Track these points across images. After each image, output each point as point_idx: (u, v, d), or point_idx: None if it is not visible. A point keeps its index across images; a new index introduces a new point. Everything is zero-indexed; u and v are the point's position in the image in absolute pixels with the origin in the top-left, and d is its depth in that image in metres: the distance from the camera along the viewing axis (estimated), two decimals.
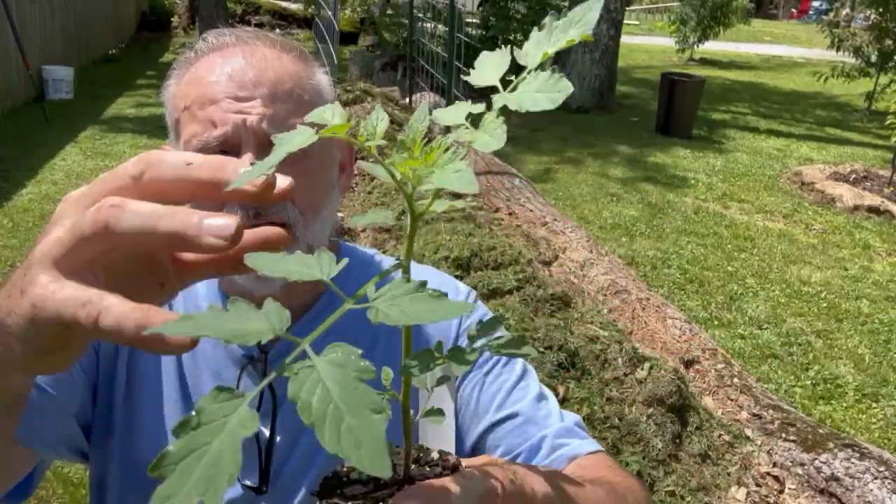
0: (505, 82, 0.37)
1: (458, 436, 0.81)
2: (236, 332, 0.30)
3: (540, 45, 0.36)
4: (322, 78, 0.78)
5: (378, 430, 0.26)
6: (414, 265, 0.84)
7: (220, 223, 0.36)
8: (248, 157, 0.68)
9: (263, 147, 0.69)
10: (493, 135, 0.33)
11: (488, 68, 0.38)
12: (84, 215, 0.37)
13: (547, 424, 0.79)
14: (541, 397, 0.82)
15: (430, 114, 0.37)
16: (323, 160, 0.76)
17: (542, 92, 0.35)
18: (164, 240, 0.36)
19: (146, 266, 0.42)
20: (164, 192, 0.39)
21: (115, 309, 0.35)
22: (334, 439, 0.25)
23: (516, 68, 0.37)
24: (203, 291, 0.82)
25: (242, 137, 0.69)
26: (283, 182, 0.41)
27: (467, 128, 0.35)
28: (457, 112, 0.38)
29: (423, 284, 0.33)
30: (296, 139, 0.34)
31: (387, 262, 0.87)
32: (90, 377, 0.78)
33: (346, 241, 3.32)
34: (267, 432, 0.76)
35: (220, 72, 0.71)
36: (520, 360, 0.84)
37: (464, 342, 0.81)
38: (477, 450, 0.80)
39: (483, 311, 0.87)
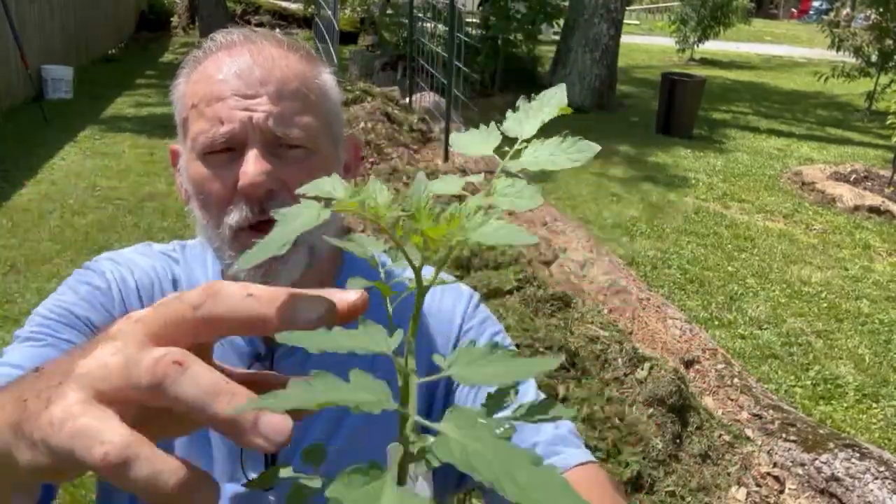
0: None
1: None
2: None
3: (521, 123, 0.37)
4: (328, 78, 0.79)
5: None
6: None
7: (276, 426, 0.32)
8: (253, 154, 0.70)
9: (269, 144, 0.71)
10: (531, 199, 0.33)
11: (477, 142, 0.38)
12: (141, 357, 0.32)
13: (540, 430, 0.78)
14: (537, 398, 0.83)
15: (425, 183, 0.35)
16: (328, 159, 0.76)
17: (563, 154, 0.35)
18: (211, 421, 0.31)
19: (179, 421, 0.37)
20: (222, 326, 0.36)
21: (154, 462, 0.30)
22: (517, 492, 0.24)
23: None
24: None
25: (249, 135, 0.71)
26: (354, 296, 0.39)
27: (502, 195, 0.34)
28: (450, 184, 0.37)
29: (496, 346, 0.32)
30: (301, 218, 0.33)
31: (388, 264, 0.88)
32: None
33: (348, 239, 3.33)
34: None
35: (228, 70, 0.72)
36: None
37: (464, 343, 0.82)
38: None
39: (485, 314, 0.88)
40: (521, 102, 0.38)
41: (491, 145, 0.38)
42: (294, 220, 0.33)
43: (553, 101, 0.37)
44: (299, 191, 0.35)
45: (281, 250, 0.31)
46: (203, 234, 0.76)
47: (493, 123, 0.39)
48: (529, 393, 0.81)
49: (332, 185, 0.35)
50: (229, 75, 0.72)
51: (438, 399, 0.82)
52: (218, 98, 0.71)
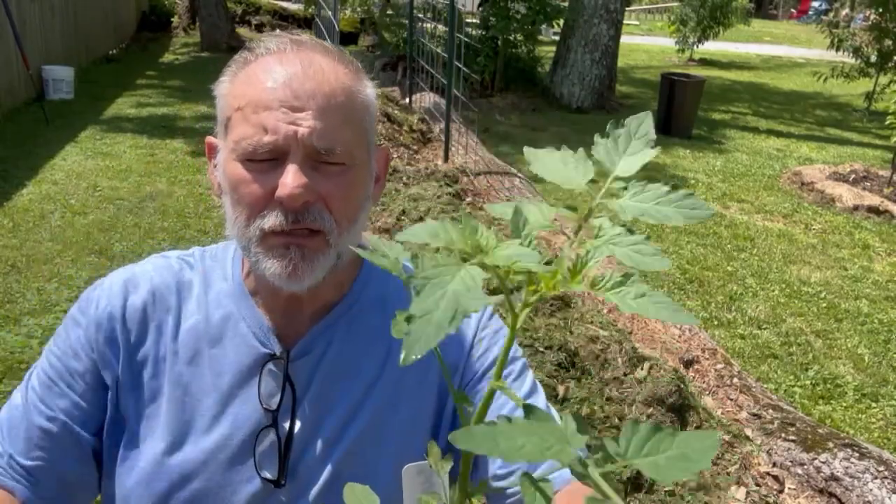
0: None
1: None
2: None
3: (611, 154, 0.35)
4: (371, 93, 0.81)
5: None
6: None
7: None
8: (294, 167, 0.71)
9: (309, 157, 0.72)
10: (655, 260, 0.32)
11: (564, 170, 0.36)
12: None
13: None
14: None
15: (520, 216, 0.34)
16: (364, 173, 0.78)
17: (673, 207, 0.32)
18: None
19: None
20: None
21: None
22: None
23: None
24: (226, 288, 0.83)
25: (291, 147, 0.71)
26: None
27: (616, 245, 0.32)
28: (543, 215, 0.36)
29: (658, 428, 0.30)
30: (454, 284, 0.30)
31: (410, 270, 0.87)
32: (100, 416, 0.81)
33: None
34: (287, 426, 0.79)
35: (278, 78, 0.72)
36: (529, 373, 0.85)
37: (478, 351, 0.84)
38: (477, 459, 0.80)
39: (498, 323, 0.88)
40: (609, 127, 0.36)
41: (583, 178, 0.35)
42: (444, 286, 0.30)
43: (639, 132, 0.36)
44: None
45: (451, 328, 0.29)
46: (231, 229, 0.76)
47: (581, 151, 0.37)
48: (539, 403, 0.84)
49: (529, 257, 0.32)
50: (279, 84, 0.72)
51: (448, 411, 0.84)
52: (266, 107, 0.71)
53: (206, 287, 0.83)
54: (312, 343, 0.80)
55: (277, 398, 0.78)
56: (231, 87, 0.75)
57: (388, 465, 0.79)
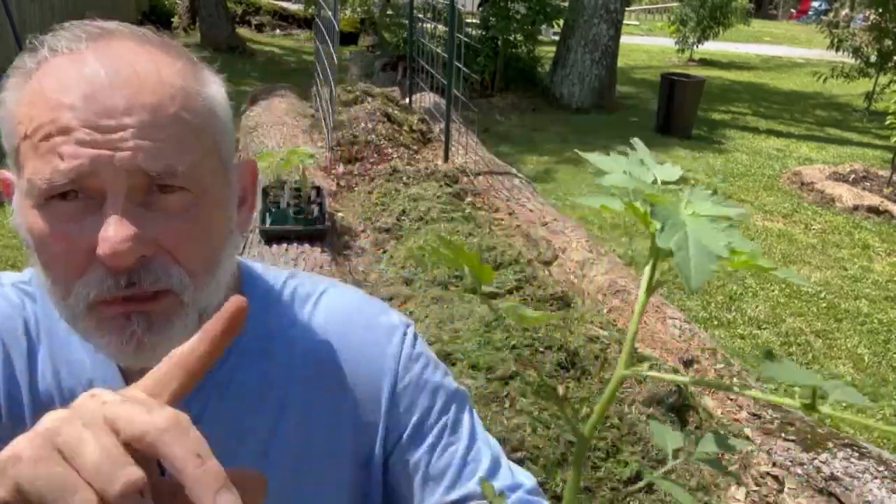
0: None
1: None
2: None
3: (640, 168, 0.36)
4: (217, 91, 0.59)
5: None
6: (341, 289, 0.73)
7: None
8: (115, 215, 0.50)
9: (137, 191, 0.52)
10: (733, 210, 0.35)
11: (621, 169, 0.37)
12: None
13: (515, 483, 0.69)
14: (495, 465, 0.69)
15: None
16: (219, 200, 0.58)
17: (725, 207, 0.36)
18: None
19: None
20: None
21: None
22: None
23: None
24: (88, 361, 0.62)
25: (107, 181, 0.51)
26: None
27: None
28: (671, 172, 0.38)
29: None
30: None
31: (295, 287, 0.70)
32: None
33: (346, 240, 3.27)
34: None
35: (75, 90, 0.51)
36: (465, 419, 0.69)
37: (402, 404, 0.67)
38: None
39: (426, 357, 0.70)
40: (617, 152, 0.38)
41: (648, 179, 0.37)
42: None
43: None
44: None
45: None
46: (48, 296, 0.56)
47: (650, 155, 0.38)
48: (483, 453, 0.69)
49: None
50: (77, 98, 0.51)
51: (376, 465, 0.68)
52: (60, 131, 0.50)
53: (47, 330, 0.63)
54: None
55: None
56: (13, 106, 0.53)
57: None
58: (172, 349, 0.48)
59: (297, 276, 0.72)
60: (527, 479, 0.71)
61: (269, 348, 0.66)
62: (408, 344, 0.69)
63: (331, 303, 0.70)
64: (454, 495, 0.65)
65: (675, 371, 2.15)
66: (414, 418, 0.67)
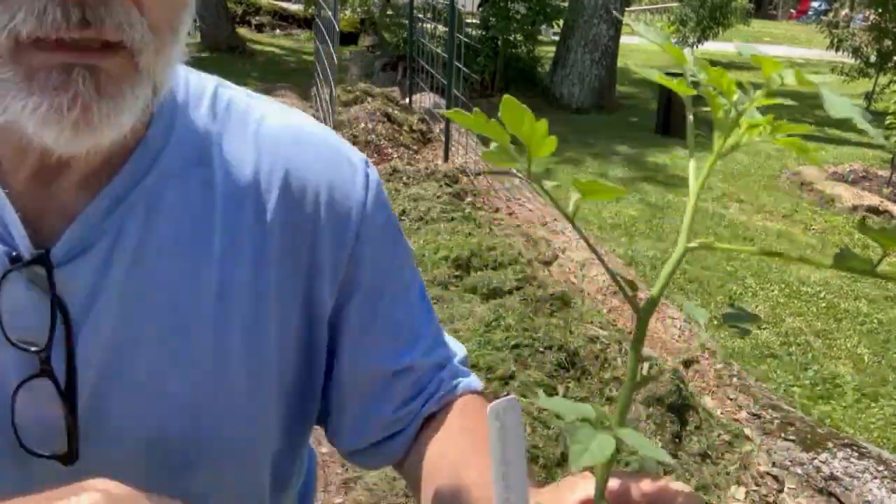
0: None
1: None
2: None
3: None
4: None
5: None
6: (287, 109, 0.61)
7: None
8: None
9: None
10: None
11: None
12: None
13: (451, 354, 0.65)
14: (438, 331, 0.65)
15: None
16: None
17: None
18: None
19: None
20: None
21: None
22: None
23: None
24: None
25: None
26: None
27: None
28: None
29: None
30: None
31: (230, 98, 0.59)
32: None
33: None
34: (64, 371, 0.48)
35: None
36: (417, 279, 0.64)
37: (364, 253, 0.59)
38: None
39: (388, 206, 0.62)
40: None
41: None
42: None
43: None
44: None
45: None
46: None
47: None
48: (425, 307, 0.65)
49: None
50: None
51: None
52: None
53: None
54: (90, 234, 0.48)
55: (43, 330, 0.46)
56: None
57: (240, 414, 0.53)
58: (121, 131, 0.42)
59: (226, 84, 0.60)
60: (460, 349, 0.67)
61: (206, 160, 0.53)
62: (373, 187, 0.59)
63: (282, 123, 0.58)
64: (403, 362, 0.60)
65: (675, 371, 2.16)
66: (373, 270, 0.59)
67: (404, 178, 3.48)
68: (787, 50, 16.11)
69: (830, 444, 2.19)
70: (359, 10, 12.44)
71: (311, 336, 0.58)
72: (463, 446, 0.57)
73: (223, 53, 11.10)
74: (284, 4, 13.92)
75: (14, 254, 0.46)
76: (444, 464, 0.57)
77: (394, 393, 0.60)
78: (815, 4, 22.97)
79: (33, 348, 0.47)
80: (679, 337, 2.71)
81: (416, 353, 0.61)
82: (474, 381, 0.65)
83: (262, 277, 0.54)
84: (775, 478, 2.09)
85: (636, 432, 0.33)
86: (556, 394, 1.89)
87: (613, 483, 0.40)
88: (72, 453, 0.49)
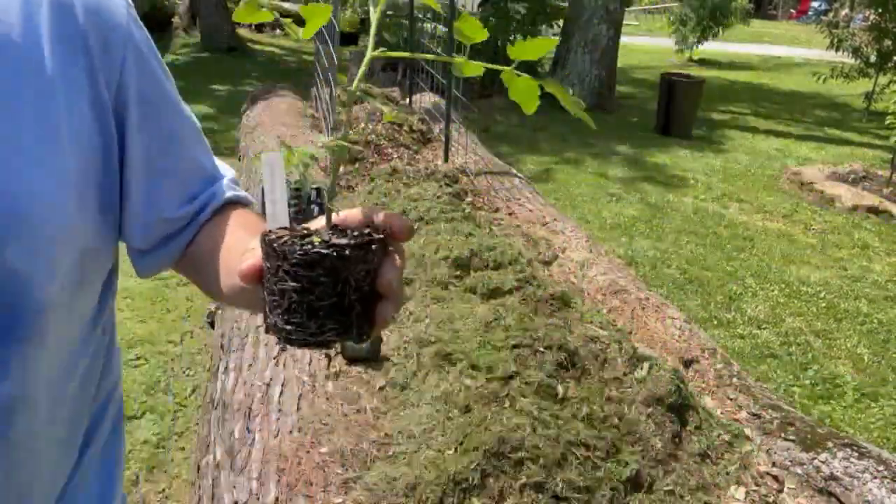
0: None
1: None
2: None
3: None
4: None
5: None
6: None
7: None
8: None
9: None
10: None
11: None
12: None
13: (222, 172, 0.76)
14: (208, 149, 0.76)
15: None
16: None
17: None
18: None
19: None
20: None
21: None
22: None
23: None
24: None
25: None
26: None
27: None
28: None
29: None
30: None
31: None
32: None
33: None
34: None
35: None
36: (181, 99, 0.73)
37: (134, 64, 0.66)
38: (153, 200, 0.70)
39: (143, 30, 0.69)
40: None
41: None
42: None
43: None
44: None
45: None
46: None
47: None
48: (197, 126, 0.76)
49: None
50: None
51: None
52: None
53: None
54: None
55: None
56: None
57: (36, 185, 0.58)
58: None
59: None
60: (229, 171, 0.77)
61: None
62: (130, 4, 0.68)
63: None
64: (177, 166, 0.70)
65: (675, 371, 2.16)
66: (142, 77, 0.66)
67: (404, 178, 3.48)
68: (787, 50, 16.10)
69: (830, 444, 2.19)
70: (359, 10, 12.44)
71: (101, 128, 0.64)
72: (240, 234, 0.67)
73: (223, 53, 11.10)
74: (285, 5, 13.92)
75: None
76: (221, 248, 0.68)
77: (172, 196, 0.70)
78: (815, 4, 22.97)
79: None
80: (679, 337, 2.71)
81: (189, 162, 0.72)
82: (244, 194, 0.76)
83: (51, 61, 0.60)
84: (775, 478, 2.09)
85: None
86: (557, 394, 1.89)
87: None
88: None
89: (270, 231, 0.53)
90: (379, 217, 0.53)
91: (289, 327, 0.50)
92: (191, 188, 0.72)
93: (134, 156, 0.67)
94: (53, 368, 0.62)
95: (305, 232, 0.53)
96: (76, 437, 0.69)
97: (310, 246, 0.49)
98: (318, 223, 0.54)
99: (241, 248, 0.59)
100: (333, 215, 0.54)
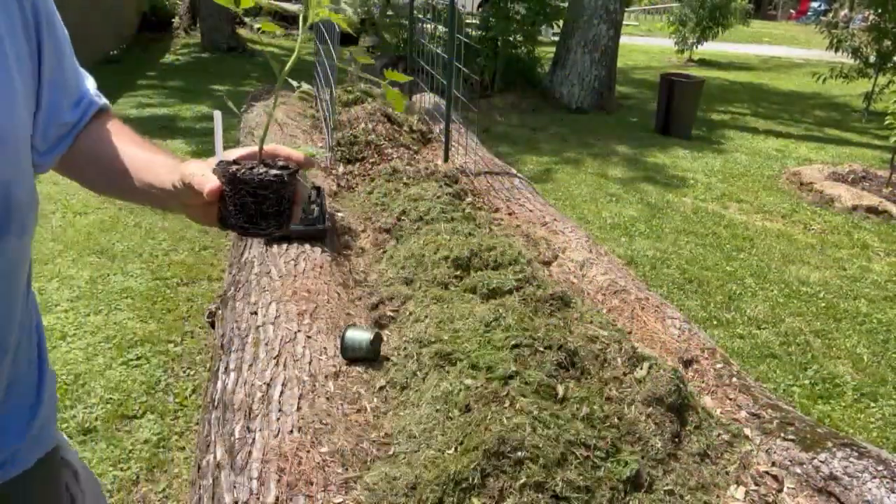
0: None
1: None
2: None
3: None
4: None
5: None
6: None
7: None
8: None
9: None
10: None
11: None
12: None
13: (90, 84, 0.94)
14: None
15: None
16: None
17: None
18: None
19: None
20: None
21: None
22: None
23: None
24: None
25: None
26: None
27: None
28: None
29: None
30: None
31: None
32: None
33: (346, 240, 3.27)
34: None
35: None
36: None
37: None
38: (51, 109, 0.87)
39: None
40: None
41: None
42: None
43: None
44: None
45: None
46: None
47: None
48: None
49: None
50: None
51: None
52: None
53: None
54: None
55: None
56: None
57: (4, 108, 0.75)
58: None
59: None
60: (86, 74, 0.95)
61: None
62: None
63: None
64: (70, 83, 0.90)
65: (675, 371, 2.16)
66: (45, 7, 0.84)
67: (404, 178, 3.48)
68: (787, 50, 16.10)
69: (830, 444, 2.19)
70: (359, 10, 12.44)
71: (30, 51, 0.80)
72: (134, 149, 0.90)
73: (223, 54, 11.10)
74: (285, 5, 13.91)
75: None
76: (112, 152, 0.90)
77: (63, 103, 0.88)
78: (814, 5, 22.98)
79: None
80: (679, 337, 2.71)
81: (72, 71, 0.91)
82: (106, 101, 0.95)
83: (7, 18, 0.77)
84: (774, 477, 2.09)
85: None
86: (556, 394, 1.89)
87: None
88: None
89: (222, 163, 0.78)
90: (283, 151, 0.81)
91: (246, 225, 0.77)
92: (75, 95, 0.90)
93: (44, 70, 0.83)
94: (20, 255, 0.82)
95: (242, 164, 0.79)
96: (22, 314, 0.86)
97: (262, 174, 0.76)
98: (236, 153, 0.81)
99: (144, 161, 0.88)
100: (247, 149, 0.82)
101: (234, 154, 0.80)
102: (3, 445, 0.83)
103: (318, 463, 1.44)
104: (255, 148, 0.81)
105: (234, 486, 1.39)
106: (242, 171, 0.75)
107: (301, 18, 0.82)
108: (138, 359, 2.99)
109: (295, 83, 0.91)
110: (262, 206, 0.76)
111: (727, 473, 1.97)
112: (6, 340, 0.80)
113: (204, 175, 0.76)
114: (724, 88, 10.91)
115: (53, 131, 0.87)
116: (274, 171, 0.77)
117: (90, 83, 0.95)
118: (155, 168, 0.87)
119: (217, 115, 0.79)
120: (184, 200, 0.80)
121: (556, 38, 9.65)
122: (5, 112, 0.74)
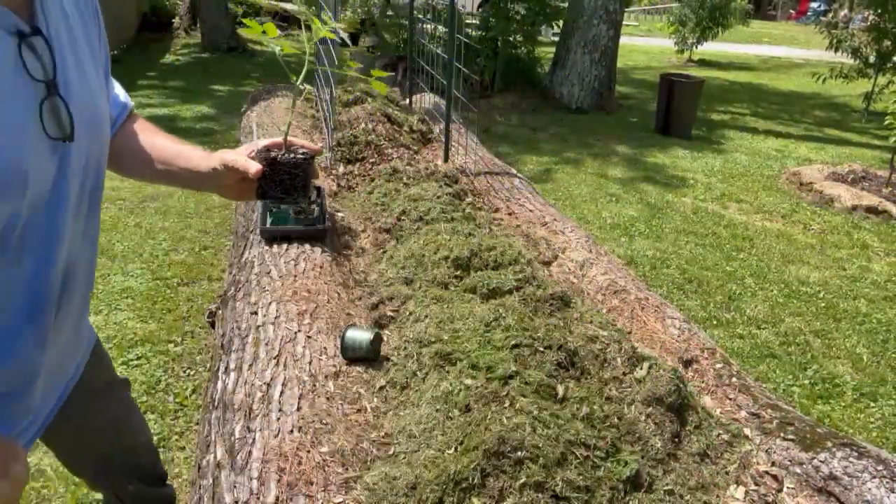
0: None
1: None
2: None
3: None
4: None
5: None
6: None
7: None
8: None
9: None
10: None
11: None
12: None
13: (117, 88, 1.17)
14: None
15: None
16: None
17: None
18: None
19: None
20: None
21: None
22: None
23: None
24: None
25: None
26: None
27: None
28: None
29: None
30: None
31: None
32: None
33: (346, 240, 3.27)
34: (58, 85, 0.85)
35: None
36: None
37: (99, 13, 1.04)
38: None
39: None
40: None
41: None
42: None
43: None
44: None
45: None
46: None
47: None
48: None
49: None
50: None
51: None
52: None
53: None
54: (41, 9, 0.85)
55: (45, 64, 0.83)
56: None
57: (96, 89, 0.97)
58: None
59: None
60: (120, 88, 1.21)
61: None
62: None
63: None
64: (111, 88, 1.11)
65: (675, 371, 2.16)
66: (100, 25, 1.03)
67: (404, 179, 3.48)
68: (787, 50, 16.10)
69: (829, 444, 2.19)
70: (359, 10, 12.45)
71: (104, 51, 1.04)
72: (163, 140, 1.15)
73: (224, 54, 11.11)
74: (285, 5, 13.92)
75: (20, 30, 0.79)
76: (150, 143, 1.13)
77: (110, 99, 1.08)
78: (814, 5, 22.99)
79: (42, 79, 0.83)
80: (679, 336, 2.71)
81: (109, 67, 1.08)
82: (130, 101, 1.18)
83: (87, 28, 0.98)
84: (774, 477, 2.09)
85: None
86: (556, 394, 1.89)
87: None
88: (71, 136, 0.88)
89: (261, 151, 1.06)
90: (297, 142, 1.08)
91: (283, 195, 1.04)
92: (113, 91, 1.08)
93: (105, 65, 1.03)
94: (96, 227, 1.03)
95: (275, 151, 1.07)
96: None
97: (294, 158, 1.04)
98: (263, 143, 1.08)
99: (176, 150, 1.11)
100: (268, 140, 1.09)
101: (261, 144, 1.05)
102: (90, 341, 1.25)
103: (319, 463, 1.44)
104: (271, 141, 1.08)
105: (235, 486, 1.39)
106: (279, 156, 1.03)
107: (304, 26, 1.00)
108: (138, 359, 2.99)
109: (302, 86, 1.11)
110: (294, 181, 1.04)
111: (727, 473, 1.98)
112: (88, 295, 1.04)
113: (245, 160, 1.00)
114: (724, 88, 10.91)
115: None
116: (300, 155, 1.04)
117: (116, 83, 1.11)
118: (187, 155, 1.08)
119: (254, 124, 0.98)
120: (221, 181, 1.04)
121: (556, 38, 9.65)
122: (101, 97, 0.94)
